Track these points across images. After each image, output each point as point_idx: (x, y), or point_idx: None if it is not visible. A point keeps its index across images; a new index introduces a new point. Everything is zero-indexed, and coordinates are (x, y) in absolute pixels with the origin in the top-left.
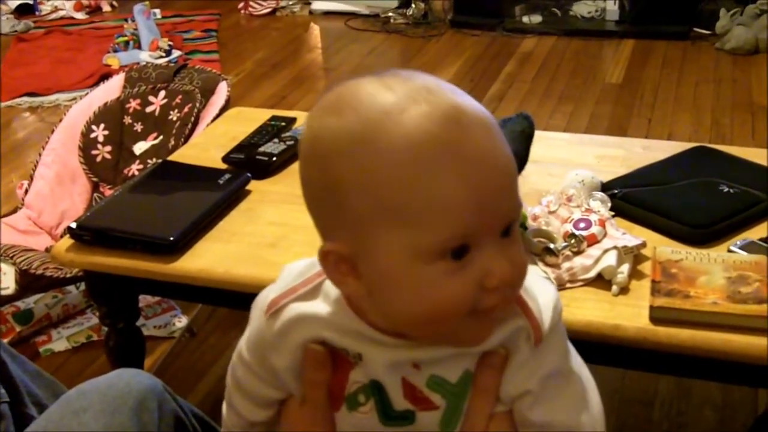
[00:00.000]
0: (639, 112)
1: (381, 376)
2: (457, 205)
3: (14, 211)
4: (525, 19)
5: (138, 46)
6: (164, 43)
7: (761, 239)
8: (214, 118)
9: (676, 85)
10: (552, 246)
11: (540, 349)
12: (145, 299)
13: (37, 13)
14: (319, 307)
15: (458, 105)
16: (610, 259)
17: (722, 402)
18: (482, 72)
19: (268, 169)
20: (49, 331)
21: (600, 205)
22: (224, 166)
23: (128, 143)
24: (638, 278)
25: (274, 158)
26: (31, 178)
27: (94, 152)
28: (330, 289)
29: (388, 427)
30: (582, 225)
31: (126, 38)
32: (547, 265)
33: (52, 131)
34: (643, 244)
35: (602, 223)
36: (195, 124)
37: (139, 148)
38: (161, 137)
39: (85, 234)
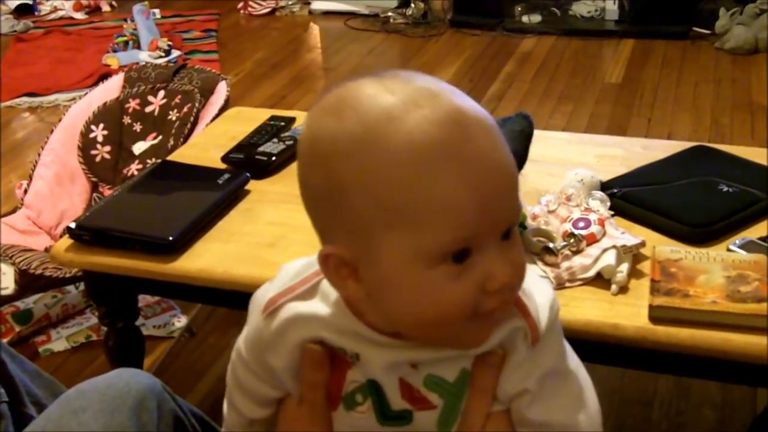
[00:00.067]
0: (638, 111)
1: (378, 376)
2: (459, 207)
3: (13, 211)
4: (524, 18)
5: (137, 46)
6: (163, 43)
7: (760, 238)
8: (214, 118)
9: (675, 85)
10: (551, 245)
11: (537, 348)
12: (144, 299)
13: (36, 13)
14: (317, 306)
15: (459, 107)
16: (610, 258)
17: (721, 401)
18: (482, 72)
19: (267, 168)
20: (48, 331)
21: (599, 205)
22: (223, 166)
23: (127, 143)
24: (637, 277)
25: (274, 158)
26: (31, 178)
27: (93, 152)
28: (328, 288)
29: (386, 427)
30: (581, 224)
31: (125, 38)
32: (546, 264)
33: (52, 131)
34: (643, 244)
35: (601, 223)
36: (194, 123)
37: (139, 148)
38: (160, 137)
39: (85, 234)
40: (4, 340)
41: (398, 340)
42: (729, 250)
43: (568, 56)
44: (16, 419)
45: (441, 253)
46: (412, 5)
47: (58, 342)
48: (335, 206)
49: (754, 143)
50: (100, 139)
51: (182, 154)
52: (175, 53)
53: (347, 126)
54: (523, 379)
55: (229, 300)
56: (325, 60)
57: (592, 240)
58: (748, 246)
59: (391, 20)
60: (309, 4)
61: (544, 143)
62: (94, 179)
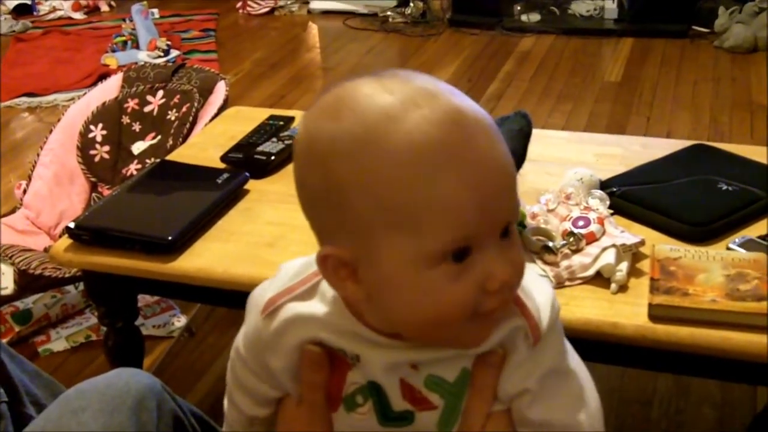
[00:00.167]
0: (638, 110)
1: (379, 378)
2: (459, 207)
3: (13, 211)
4: (524, 17)
5: (136, 45)
6: (162, 42)
7: (760, 237)
8: (213, 118)
9: (674, 84)
10: (551, 244)
11: (538, 348)
12: (143, 299)
13: (35, 13)
14: (316, 307)
15: (458, 107)
16: (609, 257)
17: (721, 400)
18: (481, 71)
19: (266, 168)
20: (47, 331)
21: (599, 203)
22: (222, 166)
23: (126, 143)
24: (637, 276)
25: (273, 157)
26: (30, 178)
27: (92, 152)
28: (327, 289)
29: (387, 428)
30: (581, 223)
31: (124, 38)
32: (545, 263)
33: (51, 131)
34: (642, 242)
35: (601, 221)
36: (193, 123)
37: (138, 147)
38: (159, 137)
39: (84, 234)
40: (4, 340)
41: (398, 340)
42: (728, 248)
43: (567, 55)
44: (15, 419)
45: (441, 252)
46: (411, 4)
47: (58, 342)
48: (334, 207)
49: (754, 142)
50: (99, 139)
51: (181, 154)
52: (174, 53)
53: (346, 126)
54: (523, 379)
55: (228, 300)
56: (324, 59)
57: (592, 239)
58: (747, 244)
59: (390, 19)
60: (308, 3)
61: (543, 142)
62: (93, 179)
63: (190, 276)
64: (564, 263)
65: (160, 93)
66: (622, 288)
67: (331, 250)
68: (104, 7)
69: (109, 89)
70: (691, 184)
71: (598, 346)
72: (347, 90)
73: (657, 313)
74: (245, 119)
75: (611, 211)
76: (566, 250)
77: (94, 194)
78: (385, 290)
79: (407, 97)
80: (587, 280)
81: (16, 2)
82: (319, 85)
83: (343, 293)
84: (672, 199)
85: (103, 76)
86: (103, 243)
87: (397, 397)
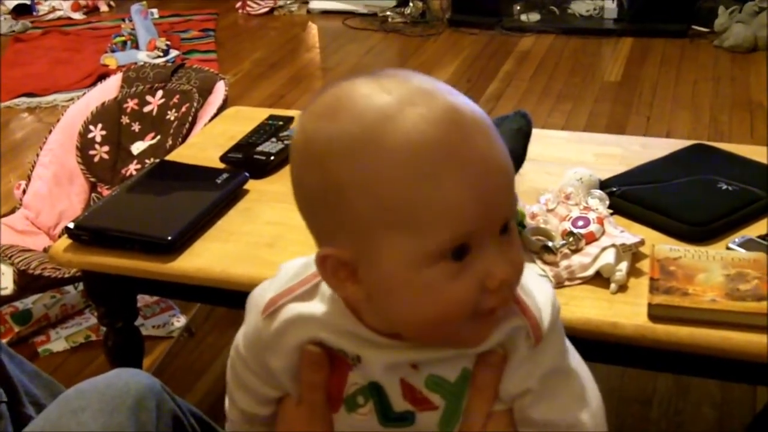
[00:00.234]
0: (637, 110)
1: (379, 378)
2: (458, 204)
3: (12, 211)
4: (523, 17)
5: (135, 46)
6: (162, 42)
7: (760, 236)
8: (212, 118)
9: (674, 83)
10: (550, 244)
11: (539, 347)
12: (143, 299)
13: (34, 13)
14: (317, 307)
15: (455, 106)
16: (609, 257)
17: (721, 400)
18: (480, 71)
19: (265, 168)
20: (47, 332)
21: (598, 203)
22: (222, 166)
23: (126, 143)
24: (637, 276)
25: (272, 157)
26: (29, 179)
27: (91, 152)
28: (327, 289)
29: (388, 429)
30: (580, 223)
31: (123, 38)
32: (545, 263)
33: (50, 131)
34: (642, 242)
35: (600, 221)
36: (192, 123)
37: (137, 147)
38: (159, 137)
39: (83, 234)
40: (3, 341)
41: (398, 341)
42: (728, 248)
43: (566, 55)
44: (15, 419)
45: (440, 251)
46: (411, 4)
47: (57, 342)
48: (332, 207)
49: (753, 141)
50: (98, 139)
51: (181, 154)
52: (174, 53)
53: (343, 126)
54: (525, 379)
55: (227, 299)
56: (324, 59)
57: (591, 239)
58: (747, 244)
59: (390, 19)
60: (307, 3)
61: (543, 142)
62: (92, 179)
63: (189, 276)
64: (563, 263)
65: (160, 93)
66: (622, 288)
67: (330, 251)
68: (103, 7)
69: (108, 89)
70: (691, 183)
71: (597, 345)
72: (344, 90)
73: (656, 313)
74: (245, 119)
75: (611, 211)
76: (566, 250)
77: (93, 194)
78: (385, 290)
79: (405, 97)
80: (587, 280)
81: (16, 2)
82: (319, 85)
83: (342, 294)
84: (672, 199)
85: (103, 76)
86: (103, 243)
87: (397, 397)
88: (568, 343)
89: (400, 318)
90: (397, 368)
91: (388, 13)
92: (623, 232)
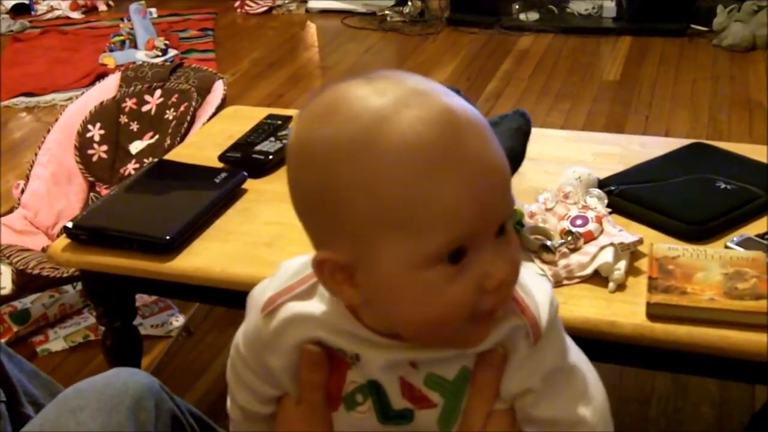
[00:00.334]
0: (636, 109)
1: (378, 376)
2: (455, 206)
3: (10, 211)
4: (522, 16)
5: (134, 45)
6: (160, 42)
7: (758, 235)
8: (210, 117)
9: (673, 82)
10: (549, 243)
11: (539, 346)
12: (141, 298)
13: (32, 12)
14: (315, 306)
15: (450, 107)
16: (607, 256)
17: (719, 399)
18: (479, 70)
19: (264, 167)
20: (46, 331)
21: (597, 202)
22: (220, 165)
23: (124, 142)
24: (635, 275)
25: (271, 157)
26: (27, 178)
27: (90, 152)
28: None
29: (387, 427)
30: (579, 222)
31: (122, 37)
32: (543, 262)
33: (48, 131)
34: (640, 241)
35: (599, 220)
36: (191, 123)
37: (135, 147)
38: (157, 136)
39: (82, 233)
40: (2, 340)
41: (397, 340)
42: (727, 247)
43: (565, 54)
44: (13, 419)
45: (438, 252)
46: (410, 3)
47: (56, 342)
48: (330, 210)
49: (752, 140)
50: (96, 138)
51: (179, 153)
52: (172, 52)
53: (339, 128)
54: (526, 378)
55: (226, 299)
56: (322, 59)
57: (590, 238)
58: (746, 243)
59: (389, 18)
60: (306, 2)
61: (542, 141)
62: (91, 179)
63: (188, 275)
64: (562, 262)
65: (158, 92)
66: (620, 287)
67: (327, 255)
68: (102, 7)
69: (106, 89)
70: (690, 182)
71: (596, 344)
72: (340, 92)
73: (655, 312)
74: (243, 118)
75: (609, 210)
76: (564, 249)
77: (92, 194)
78: (383, 293)
79: (399, 99)
80: (585, 279)
81: (14, 2)
82: (317, 85)
83: (340, 297)
84: (670, 198)
85: (101, 75)
86: (101, 243)
87: (396, 395)
88: (569, 341)
89: (398, 320)
90: (396, 367)
91: (387, 12)
92: (622, 231)
